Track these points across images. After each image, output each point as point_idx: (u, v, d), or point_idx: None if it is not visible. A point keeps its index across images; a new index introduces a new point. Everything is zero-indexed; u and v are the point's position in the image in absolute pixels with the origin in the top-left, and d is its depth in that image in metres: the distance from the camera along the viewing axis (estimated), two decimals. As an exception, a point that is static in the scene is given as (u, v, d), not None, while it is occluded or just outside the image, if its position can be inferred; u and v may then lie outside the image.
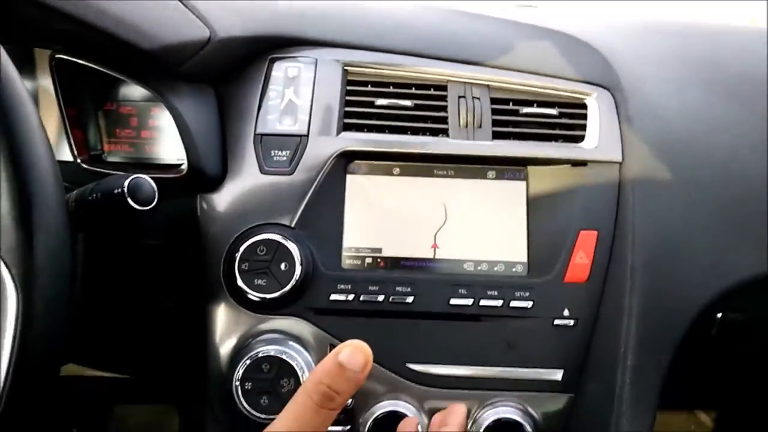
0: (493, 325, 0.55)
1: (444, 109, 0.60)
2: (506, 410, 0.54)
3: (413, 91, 0.61)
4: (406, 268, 0.57)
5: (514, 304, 0.55)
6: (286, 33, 0.61)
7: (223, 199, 0.57)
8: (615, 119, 0.59)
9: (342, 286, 0.55)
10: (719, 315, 0.62)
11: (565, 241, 0.56)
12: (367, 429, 0.54)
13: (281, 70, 0.60)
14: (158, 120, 0.59)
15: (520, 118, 0.60)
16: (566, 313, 0.56)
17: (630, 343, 0.54)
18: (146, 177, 0.44)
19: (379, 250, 0.57)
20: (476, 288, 0.55)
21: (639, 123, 0.59)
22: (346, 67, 0.60)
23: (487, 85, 0.61)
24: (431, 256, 0.57)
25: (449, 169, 0.59)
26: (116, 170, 0.57)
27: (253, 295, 0.53)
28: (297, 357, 0.52)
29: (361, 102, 0.60)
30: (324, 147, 0.57)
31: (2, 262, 0.36)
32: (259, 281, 0.53)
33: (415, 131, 0.59)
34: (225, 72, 0.59)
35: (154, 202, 0.44)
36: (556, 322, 0.56)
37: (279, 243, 0.53)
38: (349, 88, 0.60)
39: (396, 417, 0.54)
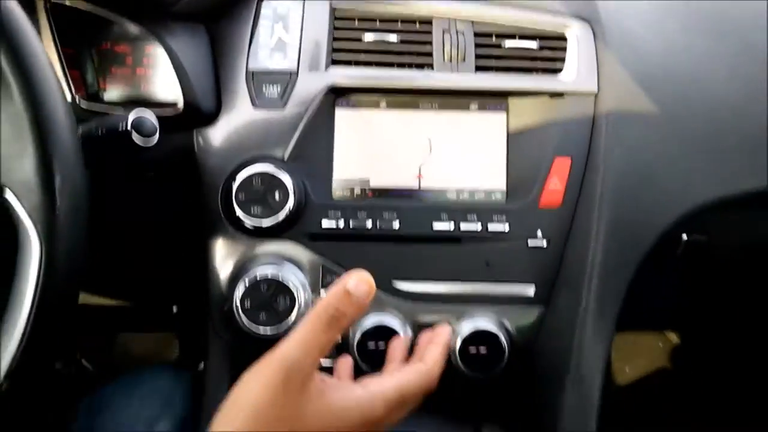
0: (472, 246, 0.60)
1: (429, 43, 0.62)
2: (483, 323, 0.60)
3: (399, 26, 0.62)
4: (393, 197, 0.61)
5: (491, 227, 0.60)
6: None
7: (218, 133, 0.60)
8: (593, 52, 0.62)
9: (332, 213, 0.59)
10: (684, 236, 0.67)
11: (541, 169, 0.60)
12: (356, 340, 0.59)
13: (270, 8, 0.61)
14: (153, 59, 0.61)
15: (502, 52, 0.62)
16: (539, 234, 0.60)
17: (596, 262, 0.59)
18: (149, 112, 0.47)
19: (367, 182, 0.61)
20: (457, 213, 0.59)
21: (616, 56, 0.61)
22: (333, 4, 0.62)
23: (471, 21, 0.63)
24: (416, 187, 0.61)
25: (434, 102, 0.62)
26: (113, 109, 0.59)
27: (250, 223, 0.57)
28: (292, 277, 0.57)
29: (348, 38, 0.62)
30: (313, 82, 0.60)
31: (28, 218, 0.40)
32: (256, 210, 0.56)
33: (401, 65, 0.61)
34: (216, 11, 0.61)
35: (156, 137, 0.47)
36: (531, 243, 0.60)
37: (273, 175, 0.56)
38: (336, 24, 0.62)
39: (382, 329, 0.58)
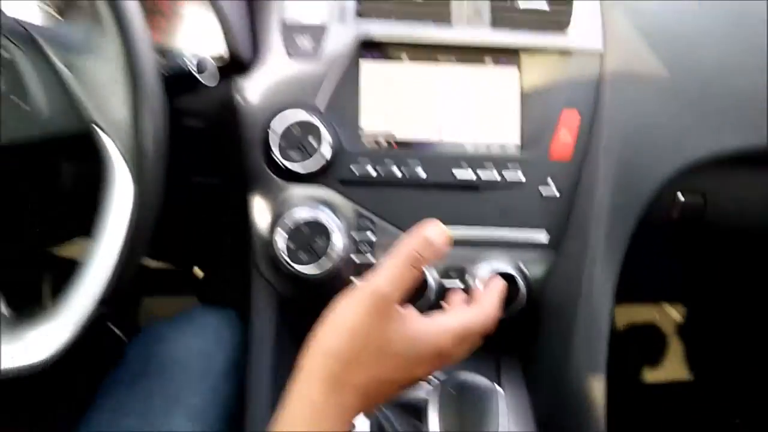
0: (490, 194, 0.65)
1: (448, 1, 0.66)
2: (501, 265, 0.65)
3: None
4: (417, 148, 0.66)
5: (507, 176, 0.65)
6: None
7: (256, 84, 0.63)
8: (599, 13, 0.67)
9: (363, 161, 0.63)
10: (680, 195, 0.72)
11: (551, 121, 0.65)
12: None
13: None
14: (194, 11, 0.63)
15: (515, 11, 0.66)
16: (552, 184, 0.66)
17: (603, 211, 0.65)
18: (207, 56, 0.51)
19: (392, 135, 0.66)
20: (476, 162, 0.64)
21: (622, 16, 0.66)
22: None
23: None
24: (437, 140, 0.66)
25: (452, 54, 0.66)
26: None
27: (291, 168, 0.61)
28: (328, 219, 0.61)
29: None
30: (342, 34, 0.63)
31: (122, 159, 0.44)
32: (295, 156, 0.61)
33: (423, 20, 0.65)
34: None
35: (218, 78, 0.51)
36: (543, 193, 0.66)
37: (311, 123, 0.61)
38: None
39: None
